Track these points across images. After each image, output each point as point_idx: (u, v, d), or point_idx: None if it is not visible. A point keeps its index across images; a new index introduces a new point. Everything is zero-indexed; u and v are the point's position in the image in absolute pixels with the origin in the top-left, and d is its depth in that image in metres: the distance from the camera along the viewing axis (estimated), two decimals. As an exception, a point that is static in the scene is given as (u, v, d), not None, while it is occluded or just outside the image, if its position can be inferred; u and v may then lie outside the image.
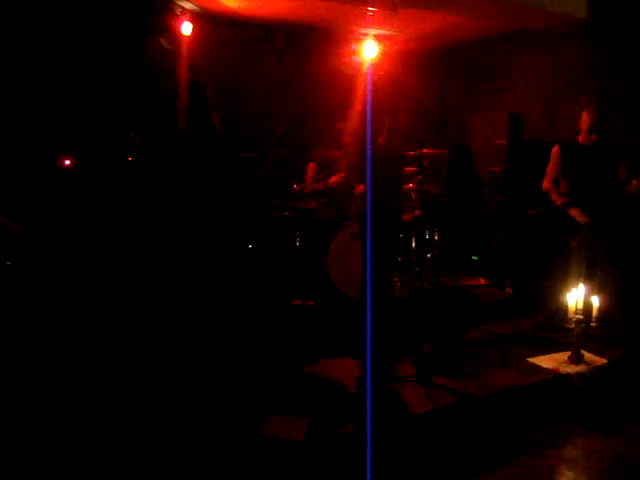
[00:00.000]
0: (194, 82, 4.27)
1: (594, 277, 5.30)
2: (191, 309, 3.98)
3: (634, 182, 5.16)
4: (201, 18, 7.21)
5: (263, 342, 4.78)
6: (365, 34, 7.96)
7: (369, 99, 4.32)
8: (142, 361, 4.04)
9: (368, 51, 7.95)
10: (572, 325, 4.90)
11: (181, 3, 6.92)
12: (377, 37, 8.06)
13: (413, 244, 6.37)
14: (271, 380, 4.45)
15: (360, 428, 3.69)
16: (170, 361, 3.99)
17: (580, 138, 5.52)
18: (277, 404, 4.10)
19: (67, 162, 5.27)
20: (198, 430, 3.69)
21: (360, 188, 6.27)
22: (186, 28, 6.83)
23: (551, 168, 5.66)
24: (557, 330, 5.59)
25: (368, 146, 4.21)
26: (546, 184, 5.67)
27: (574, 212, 5.43)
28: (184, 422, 3.72)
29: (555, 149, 5.65)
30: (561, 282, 5.52)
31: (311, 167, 6.74)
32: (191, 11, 7.11)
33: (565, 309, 5.37)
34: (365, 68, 5.10)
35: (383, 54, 8.17)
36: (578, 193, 5.42)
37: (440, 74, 8.72)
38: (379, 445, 3.50)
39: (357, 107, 4.47)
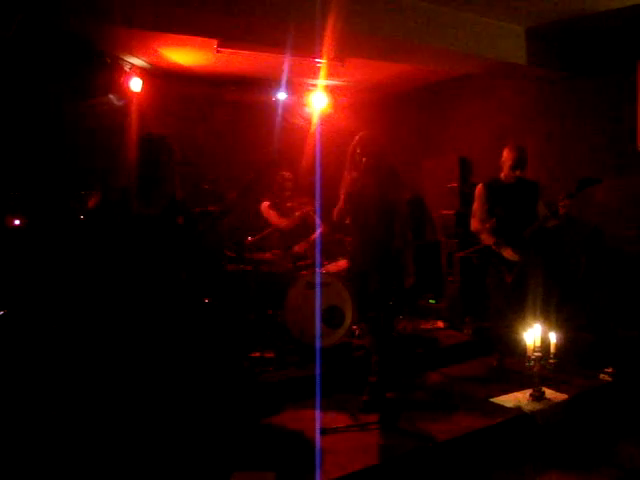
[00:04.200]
0: (148, 138, 4.16)
1: (546, 312, 5.37)
2: (147, 365, 3.88)
3: (551, 221, 5.32)
4: (151, 74, 7.26)
5: (223, 396, 4.69)
6: (315, 85, 8.13)
7: (318, 149, 4.38)
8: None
9: (317, 102, 8.11)
10: (531, 363, 4.94)
11: (130, 60, 6.96)
12: (326, 88, 8.24)
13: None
14: (233, 434, 4.36)
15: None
16: (127, 423, 3.88)
17: (502, 175, 5.60)
18: (240, 459, 4.01)
19: (16, 222, 5.19)
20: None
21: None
22: (135, 84, 6.86)
23: (477, 207, 5.66)
24: (508, 369, 5.67)
25: (317, 195, 4.26)
26: (475, 224, 5.66)
27: (506, 252, 5.47)
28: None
29: (479, 188, 5.68)
30: (505, 320, 5.60)
31: (265, 206, 6.70)
32: (140, 67, 7.15)
33: (514, 346, 5.49)
34: (315, 119, 5.17)
35: (333, 104, 8.34)
36: (505, 230, 5.45)
37: (390, 121, 8.89)
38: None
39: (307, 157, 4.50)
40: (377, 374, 4.69)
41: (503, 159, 5.59)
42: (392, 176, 4.72)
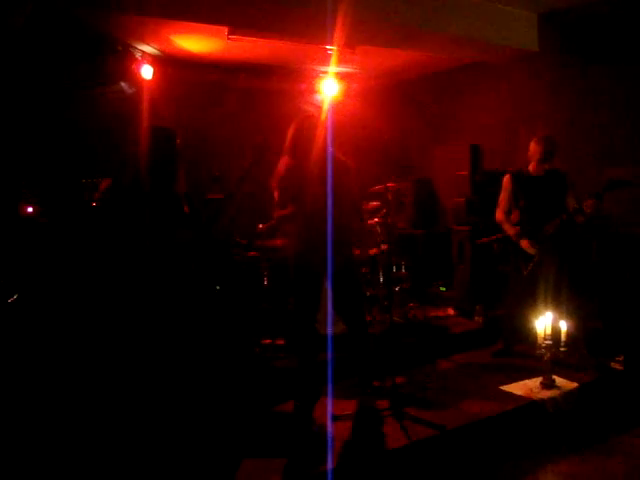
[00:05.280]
0: (163, 129, 4.19)
1: (557, 301, 5.36)
2: (158, 352, 3.92)
3: (580, 217, 5.24)
4: (162, 61, 7.26)
5: (234, 383, 4.73)
6: (325, 72, 8.11)
7: (329, 136, 4.35)
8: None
9: (328, 89, 8.10)
10: (542, 351, 4.94)
11: (141, 47, 6.95)
12: (337, 75, 8.22)
13: (381, 278, 6.41)
14: (244, 421, 4.39)
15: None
16: (139, 408, 3.92)
17: (531, 168, 5.55)
18: (251, 445, 4.04)
19: (29, 210, 5.23)
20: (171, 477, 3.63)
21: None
22: (147, 72, 6.86)
23: (502, 198, 5.65)
24: (512, 356, 5.74)
25: (329, 182, 4.21)
26: (499, 215, 5.67)
27: (524, 243, 5.47)
28: (156, 467, 3.65)
29: (506, 178, 5.64)
30: (517, 309, 5.63)
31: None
32: (152, 55, 7.15)
33: (524, 335, 5.54)
34: (326, 105, 5.16)
35: (344, 91, 8.32)
36: (529, 223, 5.45)
37: (401, 109, 8.86)
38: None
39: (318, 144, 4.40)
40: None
41: (531, 152, 5.51)
42: (336, 160, 4.48)
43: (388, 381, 4.68)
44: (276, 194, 4.48)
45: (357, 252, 5.54)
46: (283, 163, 4.48)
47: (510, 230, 5.56)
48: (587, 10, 5.98)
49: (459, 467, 4.15)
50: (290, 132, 4.50)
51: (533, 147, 5.49)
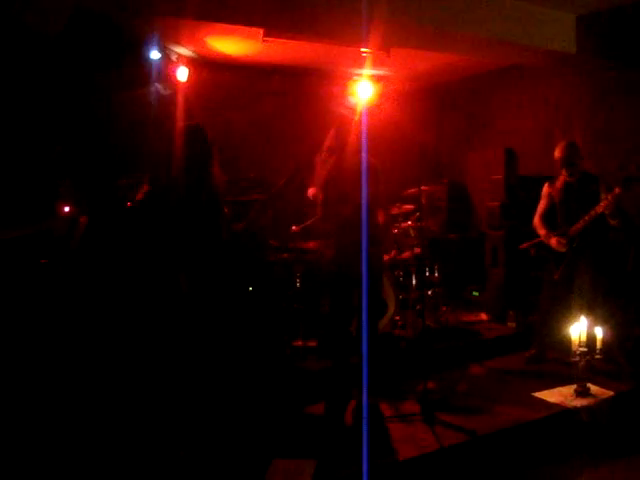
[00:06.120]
0: (193, 127, 4.27)
1: (592, 307, 5.29)
2: (193, 353, 3.95)
3: (613, 220, 5.17)
4: (197, 63, 7.32)
5: (265, 384, 4.74)
6: (360, 75, 8.10)
7: (364, 139, 4.35)
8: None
9: (363, 91, 8.08)
10: (577, 358, 4.87)
11: (177, 49, 7.02)
12: (372, 77, 8.21)
13: (414, 281, 6.38)
14: (275, 422, 4.41)
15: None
16: (173, 408, 3.96)
17: (562, 173, 5.55)
18: (282, 446, 4.05)
19: (66, 209, 5.30)
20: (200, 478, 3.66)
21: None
22: (182, 74, 6.92)
23: (540, 204, 5.75)
24: (545, 362, 5.71)
25: (364, 186, 4.21)
26: (535, 220, 5.74)
27: (553, 241, 5.49)
28: (185, 469, 3.68)
29: (544, 186, 5.74)
30: (550, 315, 5.60)
31: (311, 192, 6.67)
32: (187, 57, 7.21)
33: (557, 341, 5.47)
34: (360, 108, 5.15)
35: (378, 94, 8.30)
36: (562, 225, 5.49)
37: (435, 112, 8.82)
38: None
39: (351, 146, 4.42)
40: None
41: (555, 158, 5.54)
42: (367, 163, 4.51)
43: (419, 385, 4.66)
44: (320, 195, 4.54)
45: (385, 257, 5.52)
46: (323, 163, 4.55)
47: (542, 231, 5.60)
48: (627, 12, 5.88)
49: (490, 473, 4.11)
50: (331, 134, 4.58)
51: (555, 154, 5.53)
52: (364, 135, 4.39)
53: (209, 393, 4.00)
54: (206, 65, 7.46)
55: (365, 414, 4.28)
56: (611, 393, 4.90)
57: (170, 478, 3.62)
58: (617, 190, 4.99)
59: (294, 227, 6.20)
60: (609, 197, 5.05)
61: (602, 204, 5.13)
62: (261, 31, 6.24)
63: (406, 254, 6.39)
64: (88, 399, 4.04)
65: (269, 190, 6.19)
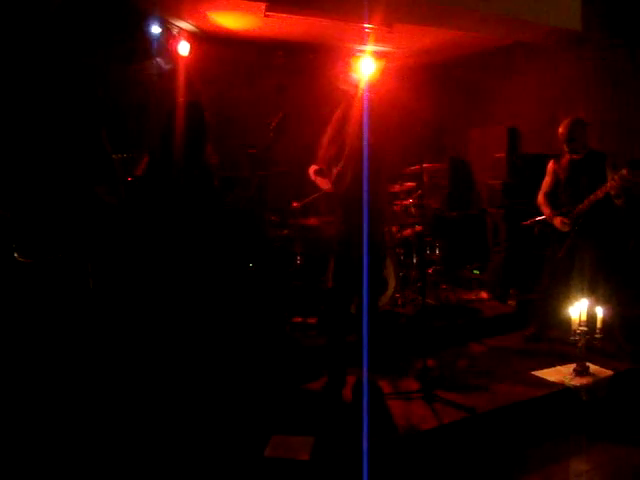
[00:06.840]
0: (193, 103, 4.24)
1: (593, 287, 5.28)
2: (191, 329, 3.95)
3: (619, 200, 5.10)
4: (198, 38, 7.25)
5: (264, 360, 4.75)
6: (362, 51, 8.02)
7: (366, 115, 4.32)
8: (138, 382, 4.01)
9: (365, 68, 8.01)
10: (576, 337, 4.87)
11: (178, 23, 6.95)
12: (374, 54, 8.13)
13: (414, 259, 6.37)
14: (273, 399, 4.42)
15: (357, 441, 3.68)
16: (169, 381, 3.96)
17: (565, 150, 5.52)
18: (280, 422, 4.06)
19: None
20: (199, 454, 3.66)
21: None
22: (183, 48, 6.86)
23: (544, 181, 5.71)
24: (544, 341, 5.73)
25: (364, 162, 4.20)
26: (539, 198, 5.71)
27: (557, 221, 5.46)
28: (184, 444, 3.69)
29: (549, 163, 5.70)
30: (551, 294, 5.59)
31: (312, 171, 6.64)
32: (188, 31, 7.15)
33: (557, 320, 5.47)
34: (362, 84, 5.11)
35: (381, 70, 8.23)
36: (567, 204, 5.46)
37: (438, 89, 8.74)
38: (377, 461, 3.48)
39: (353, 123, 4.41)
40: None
41: (558, 135, 5.50)
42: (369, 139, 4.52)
43: (419, 363, 4.67)
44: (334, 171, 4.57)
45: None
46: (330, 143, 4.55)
47: (546, 210, 5.58)
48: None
49: (489, 450, 4.14)
50: (337, 115, 4.60)
51: (559, 131, 5.48)
52: (366, 111, 4.36)
53: (207, 370, 4.00)
54: (208, 40, 7.39)
55: (365, 391, 4.30)
56: (610, 372, 4.92)
57: (168, 455, 3.63)
58: (624, 171, 4.93)
59: (295, 203, 6.17)
60: (615, 177, 5.01)
61: (608, 184, 5.08)
62: (263, 6, 6.17)
63: (407, 232, 6.37)
64: (89, 383, 4.03)
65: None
